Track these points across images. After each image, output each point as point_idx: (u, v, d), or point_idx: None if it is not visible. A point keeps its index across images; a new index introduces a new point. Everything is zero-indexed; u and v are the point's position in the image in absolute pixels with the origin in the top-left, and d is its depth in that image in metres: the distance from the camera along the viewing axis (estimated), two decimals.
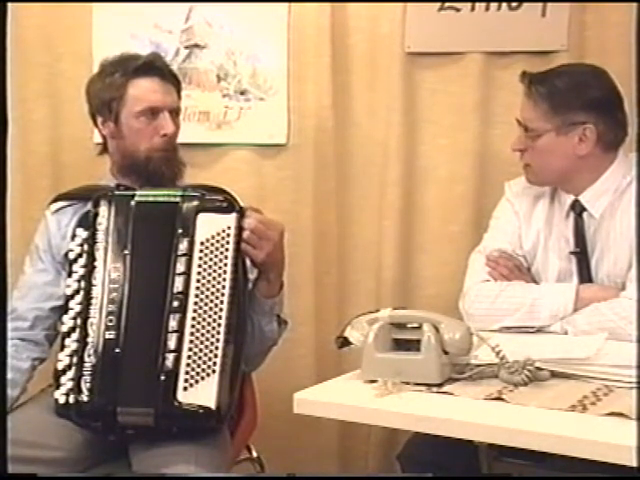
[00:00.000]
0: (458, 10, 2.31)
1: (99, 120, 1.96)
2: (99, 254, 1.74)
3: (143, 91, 1.90)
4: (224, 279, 1.69)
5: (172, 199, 1.76)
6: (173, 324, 1.66)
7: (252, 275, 1.83)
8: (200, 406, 1.63)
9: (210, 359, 1.65)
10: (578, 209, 1.87)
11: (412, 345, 1.49)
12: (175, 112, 1.94)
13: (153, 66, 1.93)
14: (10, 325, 1.82)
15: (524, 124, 1.85)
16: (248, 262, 1.79)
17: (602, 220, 1.84)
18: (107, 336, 1.68)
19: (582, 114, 1.79)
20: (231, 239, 1.71)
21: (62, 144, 2.51)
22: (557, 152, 1.82)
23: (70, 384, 1.70)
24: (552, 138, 1.81)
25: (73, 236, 1.81)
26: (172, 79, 1.96)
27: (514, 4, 2.28)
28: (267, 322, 1.83)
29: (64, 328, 1.76)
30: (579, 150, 1.81)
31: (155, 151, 1.90)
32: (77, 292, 1.76)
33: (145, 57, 1.95)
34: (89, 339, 1.69)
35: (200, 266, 1.69)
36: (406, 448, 1.89)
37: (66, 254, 1.83)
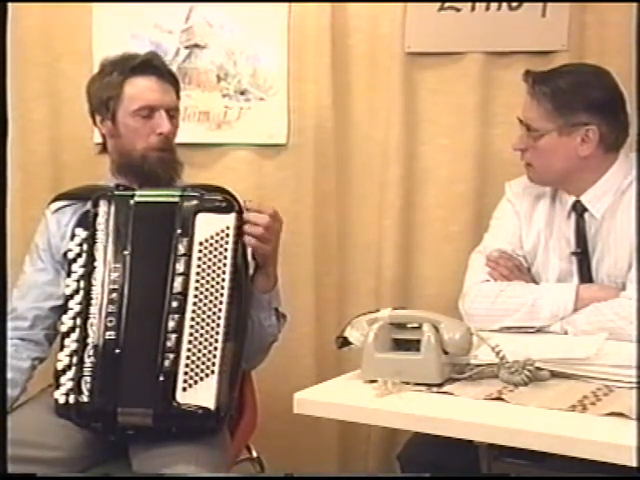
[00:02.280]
0: (458, 10, 2.31)
1: (98, 119, 1.96)
2: (99, 254, 1.74)
3: (140, 90, 1.90)
4: (223, 279, 1.69)
5: (171, 199, 1.76)
6: (172, 324, 1.66)
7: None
8: (199, 406, 1.63)
9: (209, 359, 1.65)
10: (579, 210, 1.87)
11: (412, 345, 1.49)
12: (173, 112, 1.94)
13: (150, 65, 1.93)
14: (10, 325, 1.82)
15: (526, 123, 1.85)
16: (249, 256, 1.79)
17: (603, 220, 1.84)
18: (107, 336, 1.68)
19: (585, 115, 1.79)
20: (230, 239, 1.71)
21: (62, 144, 2.52)
22: (559, 152, 1.82)
23: (70, 384, 1.70)
24: (554, 138, 1.81)
25: (72, 236, 1.81)
26: (170, 78, 1.96)
27: (514, 4, 2.28)
28: (266, 317, 1.83)
29: (64, 328, 1.76)
30: (581, 151, 1.81)
31: (151, 150, 1.90)
32: (77, 292, 1.76)
33: (142, 56, 1.95)
34: (89, 339, 1.69)
35: (199, 266, 1.69)
36: (406, 448, 1.89)
37: (65, 254, 1.83)
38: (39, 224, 1.97)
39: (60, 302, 1.81)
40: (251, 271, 1.81)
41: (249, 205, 1.74)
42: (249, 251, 1.78)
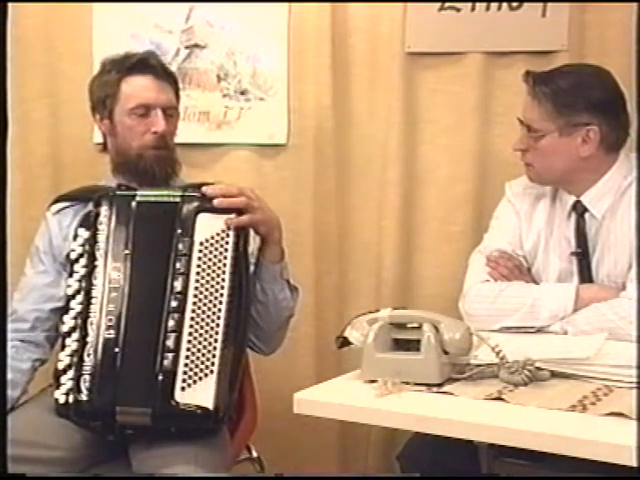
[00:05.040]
0: (458, 10, 2.30)
1: (97, 117, 1.96)
2: (100, 254, 1.74)
3: (136, 88, 1.90)
4: (223, 279, 1.69)
5: (172, 199, 1.76)
6: (172, 324, 1.66)
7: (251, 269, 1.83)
8: (198, 406, 1.63)
9: (208, 359, 1.65)
10: (580, 210, 1.87)
11: (412, 345, 1.49)
12: (170, 111, 1.94)
13: (147, 64, 1.93)
14: (11, 327, 1.82)
15: (527, 124, 1.84)
16: (250, 250, 1.79)
17: (603, 221, 1.84)
18: (107, 335, 1.68)
19: (586, 115, 1.79)
20: (230, 239, 1.71)
21: (62, 144, 2.52)
22: (560, 153, 1.82)
23: (70, 384, 1.70)
24: (555, 139, 1.81)
25: (75, 236, 1.81)
26: (167, 78, 1.96)
27: (514, 4, 2.28)
28: (280, 290, 1.83)
29: (65, 328, 1.76)
30: (582, 151, 1.80)
31: (146, 149, 1.90)
32: (78, 292, 1.76)
33: (139, 55, 1.96)
34: (89, 338, 1.69)
35: (199, 266, 1.69)
36: (406, 448, 1.89)
37: (67, 255, 1.83)
38: (39, 225, 1.97)
39: (60, 304, 1.82)
40: (252, 269, 1.81)
41: (210, 191, 1.73)
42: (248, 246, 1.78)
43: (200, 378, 1.64)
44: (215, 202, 1.72)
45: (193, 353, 1.65)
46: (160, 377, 1.63)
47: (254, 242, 1.82)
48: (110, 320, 1.68)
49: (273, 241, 1.80)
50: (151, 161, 1.90)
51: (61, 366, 1.74)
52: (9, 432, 1.33)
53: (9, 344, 1.79)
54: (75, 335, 1.73)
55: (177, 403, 1.62)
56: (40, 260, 1.92)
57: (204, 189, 1.74)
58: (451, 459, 1.63)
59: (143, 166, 1.90)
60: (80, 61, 2.43)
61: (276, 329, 1.87)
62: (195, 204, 1.74)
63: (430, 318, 1.48)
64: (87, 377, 1.67)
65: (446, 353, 1.46)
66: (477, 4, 2.29)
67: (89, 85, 1.99)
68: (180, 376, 1.63)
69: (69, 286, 1.78)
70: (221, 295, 1.68)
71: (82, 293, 1.74)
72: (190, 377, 1.64)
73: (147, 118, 1.90)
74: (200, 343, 1.65)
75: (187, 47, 2.46)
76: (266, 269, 1.81)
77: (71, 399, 1.69)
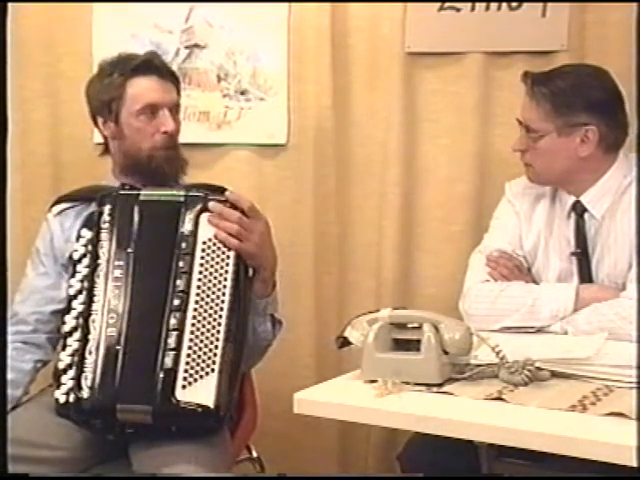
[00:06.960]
0: (458, 10, 2.30)
1: (100, 121, 1.96)
2: (103, 252, 1.74)
3: (142, 89, 1.90)
4: (225, 279, 1.69)
5: (176, 199, 1.76)
6: (173, 322, 1.66)
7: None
8: (198, 405, 1.62)
9: (209, 358, 1.65)
10: (579, 210, 1.87)
11: (412, 345, 1.49)
12: (175, 109, 1.94)
13: (151, 65, 1.93)
14: (12, 329, 1.83)
15: (526, 124, 1.85)
16: None
17: (603, 221, 1.84)
18: (108, 333, 1.67)
19: (584, 115, 1.79)
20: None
21: (62, 144, 2.52)
22: (559, 153, 1.82)
23: (71, 383, 1.69)
24: (554, 139, 1.81)
25: (78, 237, 1.81)
26: (170, 77, 1.96)
27: (514, 4, 2.28)
28: (260, 322, 1.82)
29: (66, 328, 1.76)
30: (581, 151, 1.81)
31: (157, 149, 1.90)
32: (80, 292, 1.76)
33: (142, 56, 1.96)
34: (90, 337, 1.69)
35: (202, 265, 1.70)
36: (406, 448, 1.89)
37: (70, 256, 1.82)
38: (40, 225, 1.96)
39: (61, 306, 1.81)
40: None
41: (228, 196, 1.73)
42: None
43: (201, 376, 1.64)
44: (210, 217, 1.72)
45: (194, 351, 1.65)
46: (161, 375, 1.63)
47: None
48: (112, 318, 1.68)
49: (262, 278, 1.79)
50: (162, 161, 1.90)
51: (62, 366, 1.73)
52: (10, 432, 1.33)
53: (11, 345, 1.79)
54: (76, 335, 1.73)
55: (178, 401, 1.62)
56: (41, 262, 1.91)
57: (227, 194, 1.73)
58: (451, 459, 1.64)
59: (155, 166, 1.89)
60: (80, 61, 2.43)
61: (251, 354, 1.85)
62: (198, 203, 1.74)
63: (430, 318, 1.49)
64: (88, 375, 1.66)
65: (446, 353, 1.46)
66: (477, 4, 2.30)
67: (87, 88, 1.97)
68: (181, 374, 1.63)
69: (71, 286, 1.78)
70: (223, 294, 1.68)
71: (84, 292, 1.74)
72: (191, 375, 1.63)
73: (154, 119, 1.90)
74: (202, 342, 1.65)
75: (187, 47, 2.47)
76: (251, 302, 1.80)
77: (72, 397, 1.68)
